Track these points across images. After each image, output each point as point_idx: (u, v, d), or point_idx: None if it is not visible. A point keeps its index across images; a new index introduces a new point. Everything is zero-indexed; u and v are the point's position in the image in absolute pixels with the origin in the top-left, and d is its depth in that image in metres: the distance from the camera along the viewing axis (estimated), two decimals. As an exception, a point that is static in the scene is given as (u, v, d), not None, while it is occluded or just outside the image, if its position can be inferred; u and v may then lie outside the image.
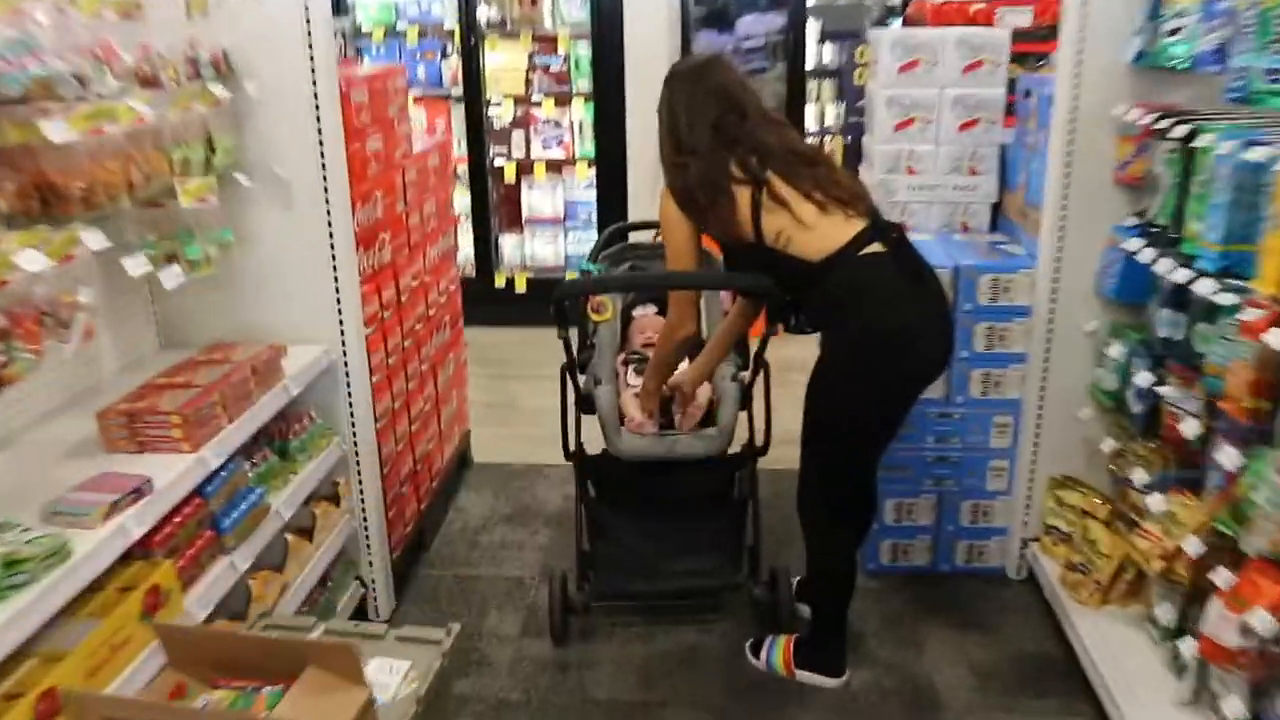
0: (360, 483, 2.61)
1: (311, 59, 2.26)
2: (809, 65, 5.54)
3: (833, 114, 5.87)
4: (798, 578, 2.74)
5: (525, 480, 3.63)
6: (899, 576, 2.96)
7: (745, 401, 2.62)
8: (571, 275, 5.35)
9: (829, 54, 5.72)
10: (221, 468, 1.97)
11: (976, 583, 2.94)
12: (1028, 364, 2.74)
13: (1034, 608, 2.79)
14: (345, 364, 2.48)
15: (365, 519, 2.65)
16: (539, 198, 5.40)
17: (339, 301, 2.43)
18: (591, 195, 5.31)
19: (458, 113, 5.28)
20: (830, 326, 2.18)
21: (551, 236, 5.46)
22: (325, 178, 2.33)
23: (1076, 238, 2.56)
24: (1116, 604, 2.51)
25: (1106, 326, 2.61)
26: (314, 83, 2.27)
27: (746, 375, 2.63)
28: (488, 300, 5.38)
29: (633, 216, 5.14)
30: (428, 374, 3.12)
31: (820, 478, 2.32)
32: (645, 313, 2.91)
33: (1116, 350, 2.49)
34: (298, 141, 2.30)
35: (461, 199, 5.36)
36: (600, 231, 5.28)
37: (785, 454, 2.56)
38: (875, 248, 2.13)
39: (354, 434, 2.55)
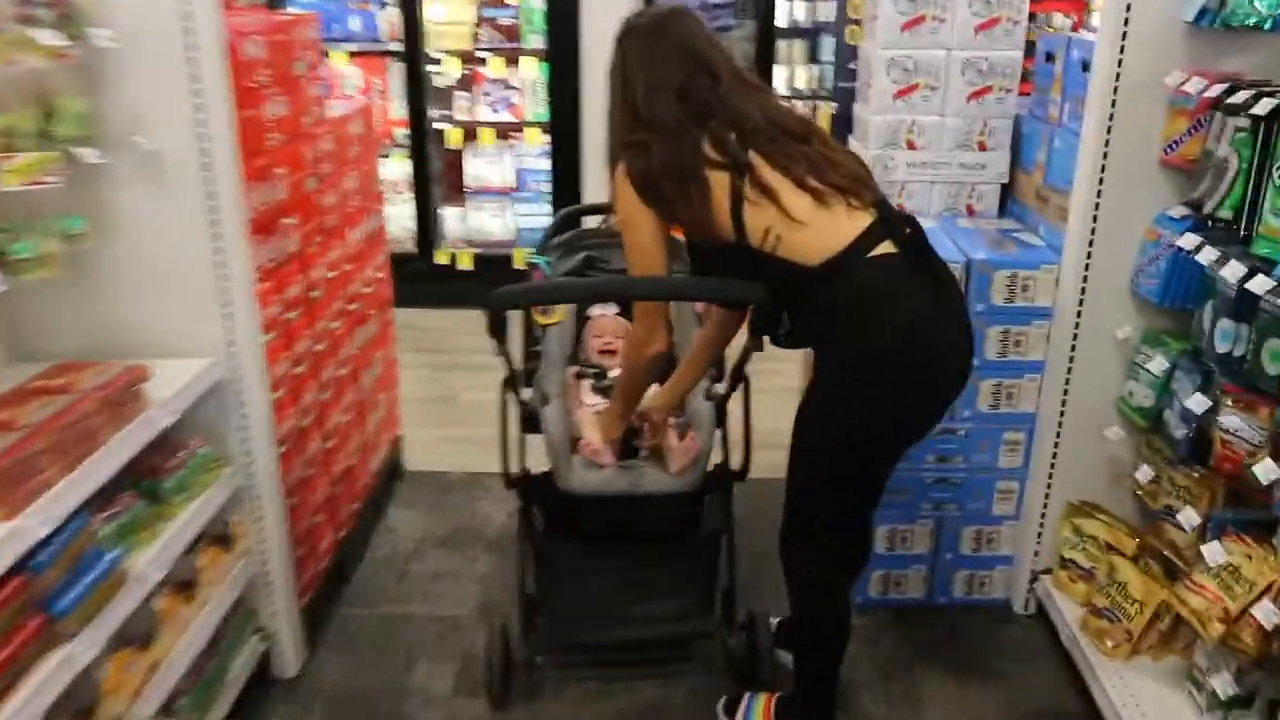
0: (259, 520, 2.17)
1: (187, 1, 1.78)
2: (779, 22, 5.11)
3: (804, 78, 5.45)
4: (778, 619, 2.37)
5: (464, 493, 3.21)
6: (891, 611, 2.60)
7: (720, 419, 2.22)
8: (520, 254, 4.90)
9: (800, 11, 5.29)
10: (57, 532, 1.52)
11: (978, 617, 2.59)
12: (1046, 374, 2.37)
13: (1047, 650, 2.44)
14: (237, 379, 2.03)
15: (267, 562, 2.22)
16: (485, 166, 4.92)
17: (226, 304, 1.97)
18: (545, 164, 4.85)
19: (396, 71, 4.78)
20: (829, 343, 1.77)
21: (498, 209, 4.99)
22: (206, 151, 1.86)
23: (1111, 229, 2.18)
24: (1148, 654, 2.16)
25: (1141, 333, 2.24)
26: (189, 32, 1.80)
27: (722, 388, 2.23)
28: (427, 279, 4.93)
29: (589, 188, 4.70)
30: (347, 379, 2.67)
31: (811, 519, 1.93)
32: (604, 313, 2.49)
33: (1158, 364, 2.13)
34: (169, 107, 1.83)
35: (400, 167, 4.88)
36: (554, 206, 4.85)
37: (760, 459, 2.21)
38: (885, 247, 1.73)
39: (250, 463, 2.11)
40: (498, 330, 1.86)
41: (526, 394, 2.28)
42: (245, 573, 2.17)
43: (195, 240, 1.92)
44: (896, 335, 1.71)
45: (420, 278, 4.92)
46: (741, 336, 2.05)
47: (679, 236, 1.97)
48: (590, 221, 2.68)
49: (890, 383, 1.72)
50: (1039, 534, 2.47)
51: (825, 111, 5.20)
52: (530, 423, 2.27)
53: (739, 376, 2.15)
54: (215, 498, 2.02)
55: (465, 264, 4.93)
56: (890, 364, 1.71)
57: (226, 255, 1.94)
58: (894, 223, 1.75)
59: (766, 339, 1.89)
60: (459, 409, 3.84)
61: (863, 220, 1.74)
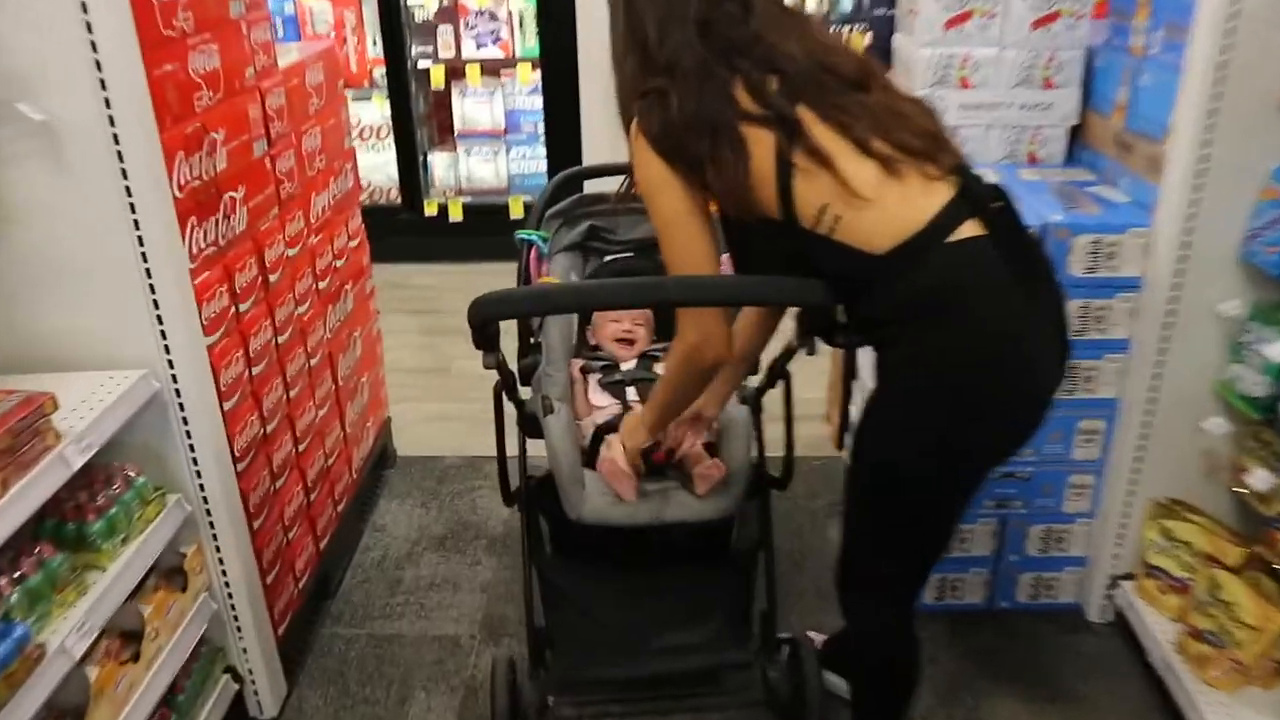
0: (218, 551, 1.85)
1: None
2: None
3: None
4: (823, 637, 2.07)
5: (461, 481, 2.89)
6: (947, 619, 2.30)
7: (757, 420, 1.88)
8: (516, 202, 4.51)
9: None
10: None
11: (1045, 625, 2.29)
12: (1131, 354, 2.03)
13: (1128, 666, 2.14)
14: (176, 392, 1.69)
15: (231, 596, 1.90)
16: (474, 107, 4.51)
17: (156, 303, 1.62)
18: (537, 103, 4.43)
19: (371, 4, 4.33)
20: (899, 346, 1.42)
21: (491, 153, 4.59)
22: (112, 120, 1.49)
23: (1219, 185, 1.82)
24: (1259, 684, 1.86)
25: (1251, 309, 1.89)
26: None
27: (757, 382, 1.89)
28: (415, 231, 4.58)
29: (587, 129, 4.28)
30: (321, 369, 2.33)
31: (873, 566, 1.60)
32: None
33: (1274, 347, 1.78)
34: (59, 66, 1.46)
35: (380, 110, 4.47)
36: (550, 148, 4.45)
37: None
38: (970, 228, 1.37)
39: (200, 487, 1.78)
40: (486, 342, 1.50)
41: (525, 393, 1.95)
42: (206, 610, 1.86)
43: (110, 228, 1.56)
44: (982, 341, 1.36)
45: (407, 231, 4.56)
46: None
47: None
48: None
49: (973, 400, 1.38)
50: (1120, 535, 2.15)
51: (857, 41, 4.74)
52: (531, 425, 1.94)
53: (778, 374, 1.81)
54: (160, 533, 1.70)
55: (456, 215, 4.55)
56: (974, 377, 1.37)
57: (152, 244, 1.58)
58: (980, 195, 1.39)
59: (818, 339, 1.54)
60: (453, 381, 3.50)
61: (941, 193, 1.38)
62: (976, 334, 1.36)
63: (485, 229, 4.35)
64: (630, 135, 1.46)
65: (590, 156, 4.27)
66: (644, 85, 1.45)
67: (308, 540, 2.25)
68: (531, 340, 1.99)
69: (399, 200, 4.58)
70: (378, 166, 4.59)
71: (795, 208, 1.38)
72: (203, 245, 1.74)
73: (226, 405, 1.82)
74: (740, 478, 1.77)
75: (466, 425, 3.16)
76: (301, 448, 2.20)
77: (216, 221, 1.79)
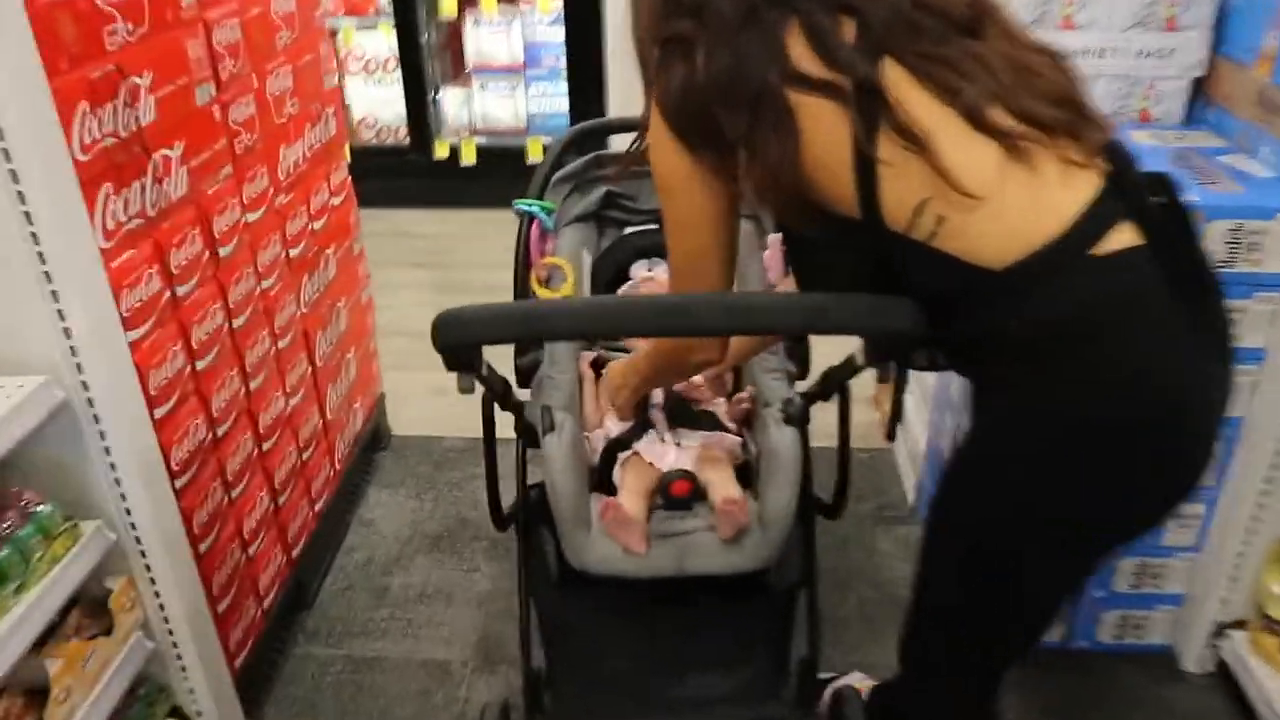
0: (153, 582, 1.55)
1: None
2: None
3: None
4: (870, 684, 1.76)
5: (461, 469, 2.58)
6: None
7: (805, 438, 1.53)
8: (535, 144, 4.13)
9: None
10: None
11: (1129, 670, 1.95)
12: (1265, 366, 1.65)
13: (1234, 729, 1.82)
14: (89, 401, 1.37)
15: (172, 633, 1.61)
16: (489, 39, 4.10)
17: (55, 295, 1.29)
18: (559, 34, 4.01)
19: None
20: (1014, 388, 1.05)
21: (508, 89, 4.19)
22: (-19, 61, 1.15)
23: None
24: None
25: None
26: None
27: (804, 392, 1.54)
28: (424, 175, 4.23)
29: (614, 66, 3.89)
30: (293, 351, 2.00)
31: (955, 636, 1.26)
32: (650, 275, 1.77)
33: None
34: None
35: (387, 41, 4.08)
36: (572, 85, 4.04)
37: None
38: (1124, 236, 0.99)
39: (126, 511, 1.47)
40: (462, 364, 1.15)
41: (525, 394, 1.61)
42: (141, 650, 1.56)
43: (-9, 202, 1.22)
44: (1133, 396, 0.99)
45: (416, 174, 4.21)
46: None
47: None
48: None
49: (1111, 469, 1.02)
50: (1232, 576, 1.80)
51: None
52: (531, 434, 1.60)
53: (833, 388, 1.45)
54: (73, 570, 1.39)
55: (469, 157, 4.18)
56: (1115, 441, 1.01)
57: (43, 221, 1.24)
58: (1136, 188, 1.02)
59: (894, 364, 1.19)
60: (458, 348, 3.17)
61: (1085, 185, 1.00)
62: (1125, 385, 0.99)
63: (501, 173, 3.97)
64: (649, 104, 1.10)
65: (617, 96, 3.87)
66: (662, 27, 1.08)
67: (275, 551, 1.95)
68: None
69: (407, 141, 4.20)
70: (386, 102, 4.21)
71: (881, 206, 1.01)
72: (122, 218, 1.40)
73: (159, 411, 1.50)
74: (782, 524, 1.43)
75: (471, 402, 2.83)
76: (266, 446, 1.88)
77: (143, 188, 1.45)
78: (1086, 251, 0.98)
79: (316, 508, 2.16)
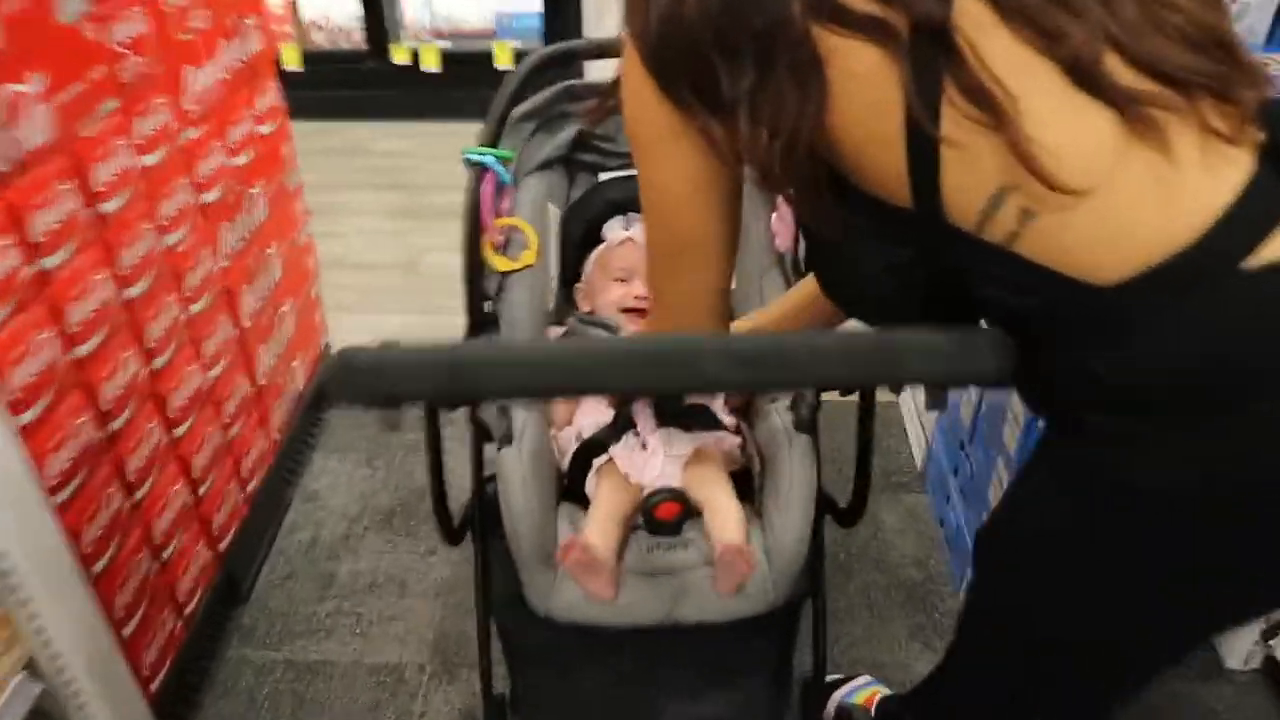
0: (33, 617, 1.29)
1: None
2: None
3: None
4: (882, 694, 1.57)
5: (417, 428, 2.24)
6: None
7: (817, 453, 1.27)
8: (503, 49, 3.74)
9: None
10: None
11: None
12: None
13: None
14: (-77, 417, 1.08)
15: (62, 670, 1.35)
16: (450, -72, 3.68)
17: None
18: (529, -75, 3.60)
19: None
20: (1117, 445, 0.78)
21: (473, -13, 3.79)
22: None
23: None
24: None
25: None
26: None
27: (812, 403, 1.27)
28: (381, 83, 3.86)
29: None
30: (211, 314, 1.70)
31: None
32: (629, 235, 1.48)
33: None
34: None
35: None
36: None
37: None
38: None
39: (-11, 540, 1.20)
40: (379, 411, 0.86)
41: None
42: (26, 694, 1.31)
43: None
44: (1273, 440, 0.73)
45: (371, 83, 3.84)
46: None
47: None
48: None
49: (1240, 558, 0.77)
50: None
51: None
52: (485, 430, 1.34)
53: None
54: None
55: (430, 63, 3.80)
56: (1248, 505, 0.75)
57: None
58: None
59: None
60: (420, 282, 2.88)
61: (1235, 168, 0.72)
62: (1270, 438, 0.73)
63: (466, 80, 3.59)
64: (624, 49, 0.80)
65: (595, 6, 3.48)
66: None
67: (198, 549, 1.69)
68: (486, 309, 1.36)
69: (363, 45, 3.80)
70: (337, 1, 3.79)
71: (942, 193, 0.73)
72: (-51, 178, 1.09)
73: (26, 416, 1.21)
74: (794, 560, 1.18)
75: (429, 330, 2.56)
76: (179, 432, 1.60)
77: (-19, 135, 1.13)
78: (1238, 263, 0.70)
79: (249, 489, 1.89)
